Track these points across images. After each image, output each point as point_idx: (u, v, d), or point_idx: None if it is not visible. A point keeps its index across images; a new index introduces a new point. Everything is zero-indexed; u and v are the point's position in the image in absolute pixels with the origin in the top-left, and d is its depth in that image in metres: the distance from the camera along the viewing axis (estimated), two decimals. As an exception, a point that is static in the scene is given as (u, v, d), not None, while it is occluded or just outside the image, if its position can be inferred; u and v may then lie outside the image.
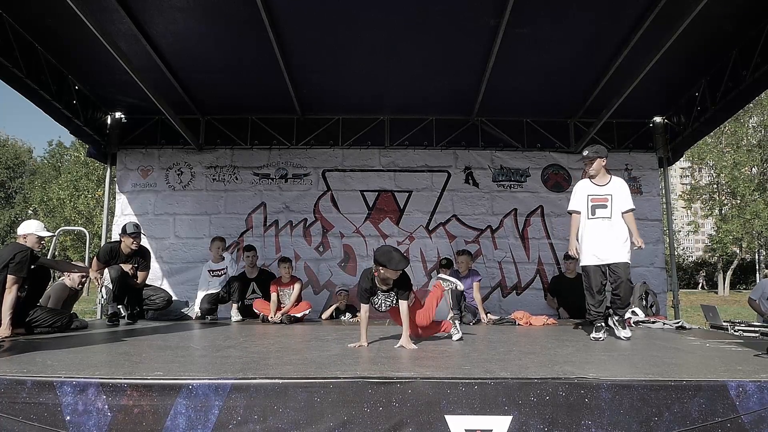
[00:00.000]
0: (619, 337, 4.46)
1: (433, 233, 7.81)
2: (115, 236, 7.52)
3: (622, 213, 4.58)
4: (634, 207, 4.65)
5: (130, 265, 5.75)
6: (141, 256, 5.90)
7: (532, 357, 3.40)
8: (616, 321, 4.60)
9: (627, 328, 4.62)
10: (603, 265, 4.57)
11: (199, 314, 6.44)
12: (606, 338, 4.45)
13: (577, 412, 2.45)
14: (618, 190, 4.65)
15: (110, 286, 5.48)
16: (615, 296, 4.59)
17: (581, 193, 4.74)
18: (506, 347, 3.90)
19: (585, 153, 4.74)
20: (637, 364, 3.21)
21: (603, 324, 4.58)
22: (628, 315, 5.77)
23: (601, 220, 4.59)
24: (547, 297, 7.48)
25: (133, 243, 5.72)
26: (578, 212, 4.72)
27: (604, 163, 4.70)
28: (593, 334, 4.50)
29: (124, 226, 5.86)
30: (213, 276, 6.63)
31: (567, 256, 7.28)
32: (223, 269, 6.63)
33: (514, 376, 2.60)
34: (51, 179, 30.91)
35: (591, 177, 4.74)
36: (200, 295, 6.53)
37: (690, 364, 3.31)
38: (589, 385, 2.50)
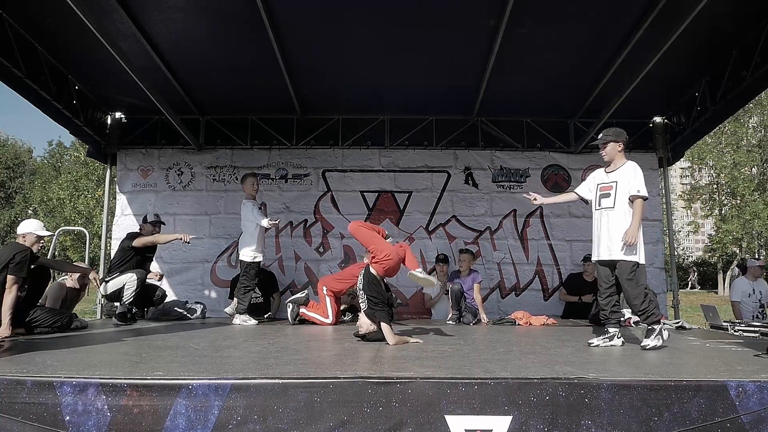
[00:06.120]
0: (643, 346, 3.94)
1: (433, 234, 7.80)
2: (116, 236, 7.56)
3: (629, 201, 4.07)
4: (643, 194, 4.07)
5: (159, 274, 6.37)
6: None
7: (532, 357, 3.41)
8: (643, 327, 4.08)
9: (652, 336, 3.92)
10: (606, 261, 4.17)
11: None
12: (604, 345, 4.04)
13: (577, 412, 2.45)
14: (624, 175, 4.14)
15: (133, 289, 5.64)
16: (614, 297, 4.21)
17: (591, 180, 4.40)
18: (506, 347, 3.90)
19: (599, 136, 4.33)
20: (637, 364, 3.21)
21: (609, 329, 4.14)
22: (628, 316, 5.66)
23: (604, 210, 4.19)
24: (560, 292, 7.44)
25: (154, 230, 6.29)
26: (580, 198, 4.45)
27: (619, 148, 4.24)
28: (592, 338, 4.14)
29: (146, 216, 6.58)
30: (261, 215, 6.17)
31: (586, 258, 7.20)
32: (260, 207, 6.32)
33: (514, 376, 2.60)
34: (51, 179, 30.91)
35: (606, 163, 4.33)
36: (265, 222, 5.90)
37: (690, 364, 3.31)
38: (589, 385, 2.50)
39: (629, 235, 3.97)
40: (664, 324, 4.00)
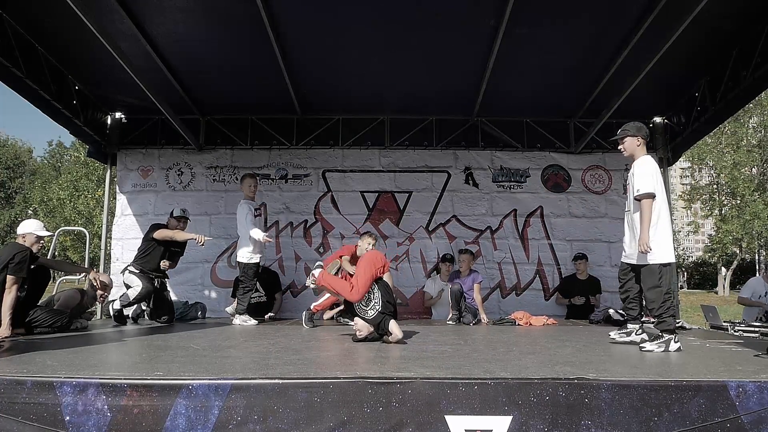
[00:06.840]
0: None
1: (433, 234, 7.80)
2: (116, 236, 7.59)
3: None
4: (646, 191, 3.80)
5: (169, 262, 6.05)
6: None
7: (532, 357, 3.41)
8: (644, 328, 3.98)
9: (656, 342, 3.76)
10: (628, 264, 4.09)
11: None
12: (621, 340, 4.05)
13: (577, 412, 2.45)
14: (634, 173, 3.94)
15: (132, 298, 5.63)
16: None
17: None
18: (506, 347, 3.90)
19: (619, 131, 4.11)
20: (637, 364, 3.21)
21: (628, 324, 4.15)
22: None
23: (627, 213, 4.08)
24: (557, 296, 7.49)
25: (178, 225, 6.08)
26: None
27: (638, 143, 4.01)
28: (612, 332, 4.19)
29: (173, 210, 6.25)
30: (257, 216, 6.13)
31: (576, 257, 7.28)
32: (259, 208, 6.26)
33: (514, 376, 2.60)
34: (51, 179, 30.98)
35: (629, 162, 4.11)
36: (257, 233, 5.78)
37: (690, 364, 3.31)
38: (589, 385, 2.50)
39: (641, 244, 3.81)
40: (676, 337, 3.79)
